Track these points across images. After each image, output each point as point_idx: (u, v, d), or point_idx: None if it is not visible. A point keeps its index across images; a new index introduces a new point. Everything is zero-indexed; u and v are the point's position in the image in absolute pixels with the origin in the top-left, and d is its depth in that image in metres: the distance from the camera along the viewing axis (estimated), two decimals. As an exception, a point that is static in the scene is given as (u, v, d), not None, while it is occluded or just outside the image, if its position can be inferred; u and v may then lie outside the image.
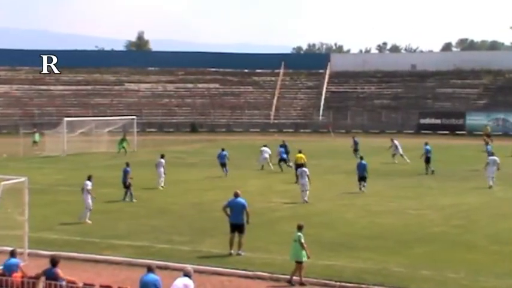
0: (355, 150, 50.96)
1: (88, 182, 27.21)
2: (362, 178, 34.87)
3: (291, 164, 41.91)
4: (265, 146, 46.38)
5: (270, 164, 44.76)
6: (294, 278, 18.54)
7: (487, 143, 56.37)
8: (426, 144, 43.74)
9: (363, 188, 34.62)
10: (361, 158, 36.58)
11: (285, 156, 44.33)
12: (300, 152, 39.92)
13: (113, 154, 53.09)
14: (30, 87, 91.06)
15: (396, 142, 49.87)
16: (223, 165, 42.12)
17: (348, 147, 52.63)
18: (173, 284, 14.20)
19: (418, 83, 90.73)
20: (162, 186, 36.20)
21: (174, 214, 28.49)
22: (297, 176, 37.09)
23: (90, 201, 26.84)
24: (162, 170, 36.63)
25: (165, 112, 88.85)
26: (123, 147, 53.03)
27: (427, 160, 42.76)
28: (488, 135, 64.74)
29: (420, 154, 43.32)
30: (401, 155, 48.46)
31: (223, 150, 43.15)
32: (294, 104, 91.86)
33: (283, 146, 45.40)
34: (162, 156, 37.50)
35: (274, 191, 35.18)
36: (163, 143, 66.08)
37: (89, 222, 26.48)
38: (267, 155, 45.23)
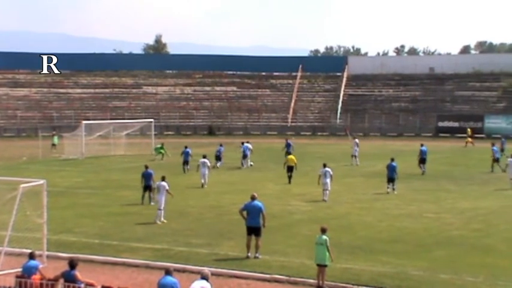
0: (288, 152, 47.32)
1: (164, 183, 27.64)
2: (390, 179, 34.82)
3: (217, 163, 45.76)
4: (186, 147, 46.17)
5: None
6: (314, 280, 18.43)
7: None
8: (422, 145, 44.65)
9: (390, 190, 34.50)
10: (392, 160, 36.08)
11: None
12: (289, 153, 39.93)
13: (132, 157, 52.96)
14: (49, 91, 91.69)
15: (357, 141, 50.04)
16: (186, 163, 42.91)
17: (364, 150, 52.41)
18: (191, 287, 14.21)
19: (436, 86, 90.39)
20: (203, 185, 36.84)
21: (192, 217, 28.51)
22: (289, 178, 37.62)
23: (163, 201, 27.18)
24: (206, 170, 37.21)
25: (182, 115, 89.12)
26: (161, 153, 53.12)
27: (422, 161, 43.27)
28: (471, 137, 65.35)
29: (434, 158, 43.36)
30: (353, 156, 48.49)
31: (186, 147, 43.97)
32: (311, 107, 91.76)
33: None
34: (204, 156, 37.80)
35: (292, 194, 35.05)
36: (180, 146, 66.04)
37: (165, 221, 26.84)
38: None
